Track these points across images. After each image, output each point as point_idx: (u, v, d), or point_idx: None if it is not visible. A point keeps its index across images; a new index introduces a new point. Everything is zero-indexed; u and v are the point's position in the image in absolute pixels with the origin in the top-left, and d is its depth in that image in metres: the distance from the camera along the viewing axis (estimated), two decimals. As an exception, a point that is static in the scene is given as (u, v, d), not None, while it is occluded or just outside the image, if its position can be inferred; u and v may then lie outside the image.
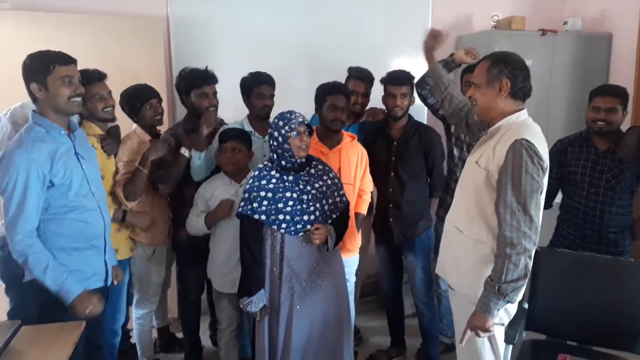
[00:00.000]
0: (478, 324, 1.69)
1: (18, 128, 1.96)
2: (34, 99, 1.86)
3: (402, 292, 2.97)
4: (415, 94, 2.67)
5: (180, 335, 2.96)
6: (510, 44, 3.24)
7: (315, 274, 2.12)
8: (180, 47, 3.19)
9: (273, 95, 2.61)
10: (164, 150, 2.34)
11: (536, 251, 1.68)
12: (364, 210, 2.57)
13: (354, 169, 2.47)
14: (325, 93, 2.42)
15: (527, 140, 1.65)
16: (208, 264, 2.46)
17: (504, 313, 1.80)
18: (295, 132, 2.03)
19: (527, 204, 1.63)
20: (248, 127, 2.57)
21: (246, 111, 2.65)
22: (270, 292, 2.10)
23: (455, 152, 2.75)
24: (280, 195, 2.05)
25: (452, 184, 2.63)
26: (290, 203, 2.05)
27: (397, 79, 2.56)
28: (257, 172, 2.11)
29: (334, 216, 2.16)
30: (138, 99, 2.43)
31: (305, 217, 2.06)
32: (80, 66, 1.93)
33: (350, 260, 2.53)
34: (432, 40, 2.30)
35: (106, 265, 2.04)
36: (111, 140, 2.30)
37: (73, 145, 1.91)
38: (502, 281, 1.64)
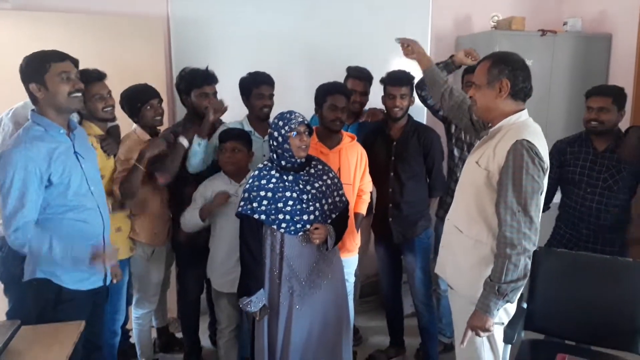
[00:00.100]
0: (478, 324, 1.69)
1: (20, 128, 1.96)
2: (34, 100, 1.86)
3: (402, 292, 2.97)
4: (415, 95, 2.67)
5: (179, 335, 2.96)
6: (510, 44, 3.25)
7: (315, 274, 2.12)
8: (181, 47, 3.19)
9: (272, 95, 2.61)
10: (162, 146, 2.33)
11: (535, 251, 1.69)
12: (363, 210, 2.57)
13: (353, 169, 2.47)
14: (325, 93, 2.42)
15: (528, 141, 1.65)
16: (208, 264, 2.46)
17: (503, 313, 1.80)
18: (295, 132, 2.03)
19: (527, 205, 1.63)
20: (248, 127, 2.56)
21: (246, 111, 2.65)
22: (270, 292, 2.10)
23: (456, 152, 2.76)
24: (280, 195, 2.05)
25: (452, 184, 2.64)
26: (290, 203, 2.05)
27: (397, 80, 2.56)
28: (257, 172, 2.11)
29: (334, 216, 2.16)
30: (139, 99, 2.43)
31: (305, 217, 2.06)
32: (81, 66, 1.93)
33: (350, 261, 2.54)
34: (408, 52, 2.30)
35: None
36: (111, 140, 2.30)
37: (72, 145, 1.91)
38: (502, 281, 1.64)
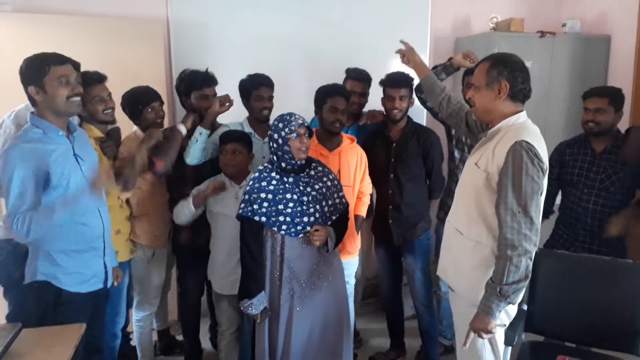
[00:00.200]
0: (480, 326, 1.70)
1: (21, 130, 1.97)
2: (33, 102, 1.86)
3: (402, 294, 2.97)
4: (415, 96, 2.67)
5: (180, 337, 2.96)
6: (509, 45, 3.25)
7: (315, 276, 2.12)
8: (181, 49, 3.20)
9: (272, 97, 2.61)
10: (157, 135, 2.31)
11: (535, 252, 1.69)
12: (363, 212, 2.57)
13: (353, 171, 2.47)
14: (324, 95, 2.43)
15: (527, 142, 1.65)
16: (208, 266, 2.46)
17: (504, 314, 1.80)
18: (295, 134, 2.04)
19: (527, 206, 1.64)
20: (248, 129, 2.57)
21: (246, 112, 2.65)
22: (270, 294, 2.10)
23: (456, 154, 2.76)
24: (280, 196, 2.05)
25: (452, 186, 2.64)
26: (291, 205, 2.05)
27: (396, 82, 2.57)
28: (257, 174, 2.12)
29: (334, 218, 2.16)
30: (140, 102, 2.43)
31: (305, 219, 2.07)
32: (81, 68, 1.93)
33: (350, 263, 2.54)
34: (405, 62, 2.32)
35: (105, 267, 2.04)
36: (111, 142, 2.30)
37: (72, 147, 1.91)
38: (503, 283, 1.64)
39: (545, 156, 1.71)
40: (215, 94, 2.58)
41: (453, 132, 2.77)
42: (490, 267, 1.71)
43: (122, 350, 2.59)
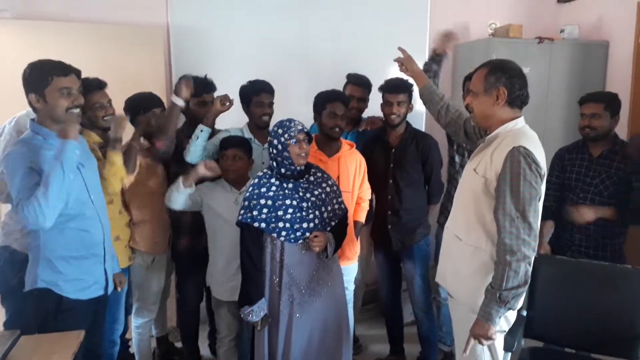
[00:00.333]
0: (480, 332, 1.69)
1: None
2: (34, 109, 1.87)
3: (401, 299, 2.96)
4: (414, 102, 2.68)
5: (179, 344, 2.94)
6: (508, 51, 3.27)
7: (315, 282, 2.12)
8: (181, 56, 3.21)
9: (272, 103, 2.62)
10: (124, 123, 2.27)
11: (534, 258, 1.69)
12: (362, 218, 2.57)
13: (352, 176, 2.47)
14: (324, 101, 2.44)
15: (524, 148, 1.66)
16: (207, 272, 2.46)
17: (504, 320, 1.79)
18: (294, 140, 2.04)
19: (525, 211, 1.64)
20: (248, 134, 2.57)
21: (247, 118, 2.66)
22: (270, 301, 2.10)
23: (457, 159, 2.77)
24: (280, 202, 2.05)
25: (453, 191, 2.64)
26: (290, 210, 2.05)
27: (394, 87, 2.58)
28: (256, 180, 2.12)
29: (333, 223, 2.16)
30: (141, 107, 2.44)
31: (305, 225, 2.07)
32: (82, 74, 1.94)
33: (349, 268, 2.53)
34: (403, 70, 2.30)
35: (106, 274, 2.03)
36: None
37: None
38: (502, 288, 1.64)
39: (543, 161, 1.72)
40: (214, 99, 2.58)
41: (454, 136, 2.78)
42: (490, 272, 1.71)
43: (120, 357, 2.57)
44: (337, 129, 2.42)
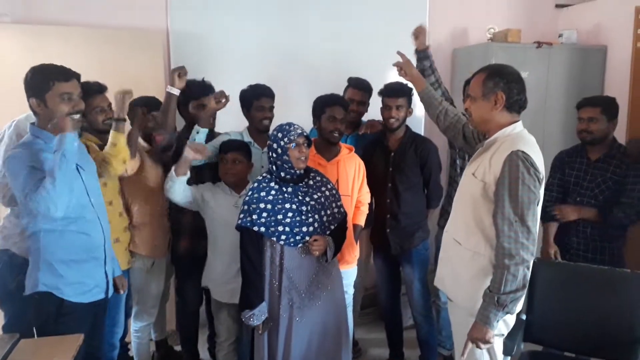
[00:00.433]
0: (478, 335, 1.69)
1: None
2: (34, 113, 1.88)
3: (401, 303, 2.96)
4: (414, 105, 2.69)
5: (178, 348, 2.95)
6: (506, 56, 3.28)
7: (315, 286, 2.13)
8: (180, 60, 3.18)
9: (272, 107, 2.63)
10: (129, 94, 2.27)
11: (533, 262, 1.69)
12: (361, 221, 2.57)
13: (351, 180, 2.48)
14: (323, 105, 2.44)
15: (523, 152, 1.67)
16: (205, 273, 2.45)
17: (503, 324, 1.80)
18: (294, 144, 2.05)
19: (524, 215, 1.64)
20: (247, 138, 2.58)
21: (245, 122, 2.66)
22: (270, 304, 2.10)
23: (459, 161, 2.77)
24: (279, 206, 2.06)
25: (453, 193, 2.64)
26: (290, 214, 2.06)
27: (393, 91, 2.59)
28: (256, 184, 2.12)
29: (332, 227, 2.16)
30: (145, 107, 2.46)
31: (304, 229, 2.07)
32: (82, 78, 1.94)
33: (349, 272, 2.53)
34: (402, 74, 2.31)
35: (107, 277, 2.03)
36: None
37: None
38: (501, 292, 1.64)
39: (541, 165, 1.72)
40: (212, 102, 2.60)
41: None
42: (489, 276, 1.71)
43: (120, 360, 2.58)
44: (336, 133, 2.42)
